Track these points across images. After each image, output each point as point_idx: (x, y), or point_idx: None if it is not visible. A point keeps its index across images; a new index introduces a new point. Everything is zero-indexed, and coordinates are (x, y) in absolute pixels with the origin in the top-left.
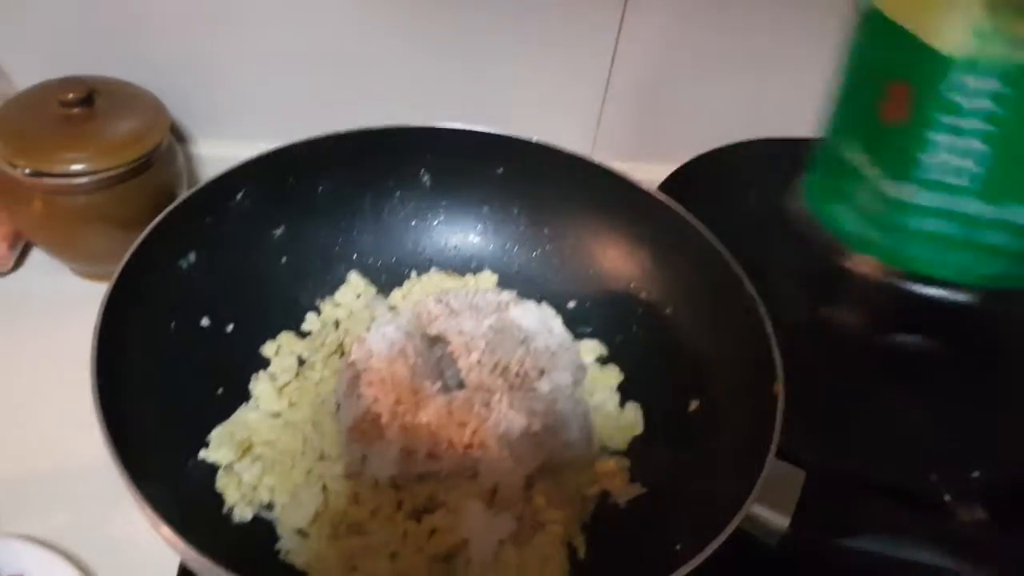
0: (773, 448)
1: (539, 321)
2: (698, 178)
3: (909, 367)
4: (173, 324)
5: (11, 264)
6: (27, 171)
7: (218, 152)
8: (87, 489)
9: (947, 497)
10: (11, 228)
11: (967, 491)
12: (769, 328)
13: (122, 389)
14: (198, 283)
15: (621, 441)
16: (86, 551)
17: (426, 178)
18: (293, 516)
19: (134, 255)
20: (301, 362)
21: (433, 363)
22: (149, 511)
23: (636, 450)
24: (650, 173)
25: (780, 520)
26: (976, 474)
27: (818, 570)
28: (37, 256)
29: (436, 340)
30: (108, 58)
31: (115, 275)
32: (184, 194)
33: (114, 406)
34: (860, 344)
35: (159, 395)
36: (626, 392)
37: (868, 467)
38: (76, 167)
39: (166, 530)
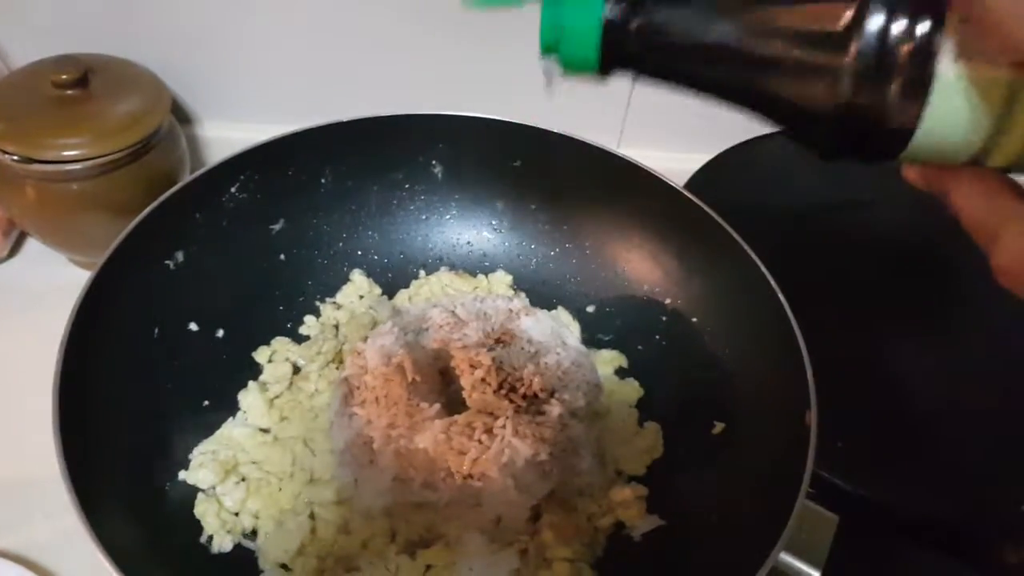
0: (803, 490)
1: (552, 333)
2: (732, 169)
3: (950, 389)
4: (156, 330)
5: (6, 252)
6: (16, 157)
7: (224, 134)
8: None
9: (993, 533)
10: (4, 215)
11: (1016, 526)
12: (803, 346)
13: (94, 400)
14: (186, 285)
15: (639, 465)
16: (70, 569)
17: (438, 170)
18: (277, 546)
19: (113, 256)
20: (296, 370)
21: (434, 379)
22: (94, 542)
23: (655, 476)
24: (683, 163)
25: (810, 572)
26: None
27: None
28: (34, 244)
29: (441, 351)
30: (105, 35)
31: (89, 279)
32: (170, 190)
33: (79, 418)
34: (899, 362)
35: (137, 408)
36: (645, 410)
37: (905, 498)
38: (70, 153)
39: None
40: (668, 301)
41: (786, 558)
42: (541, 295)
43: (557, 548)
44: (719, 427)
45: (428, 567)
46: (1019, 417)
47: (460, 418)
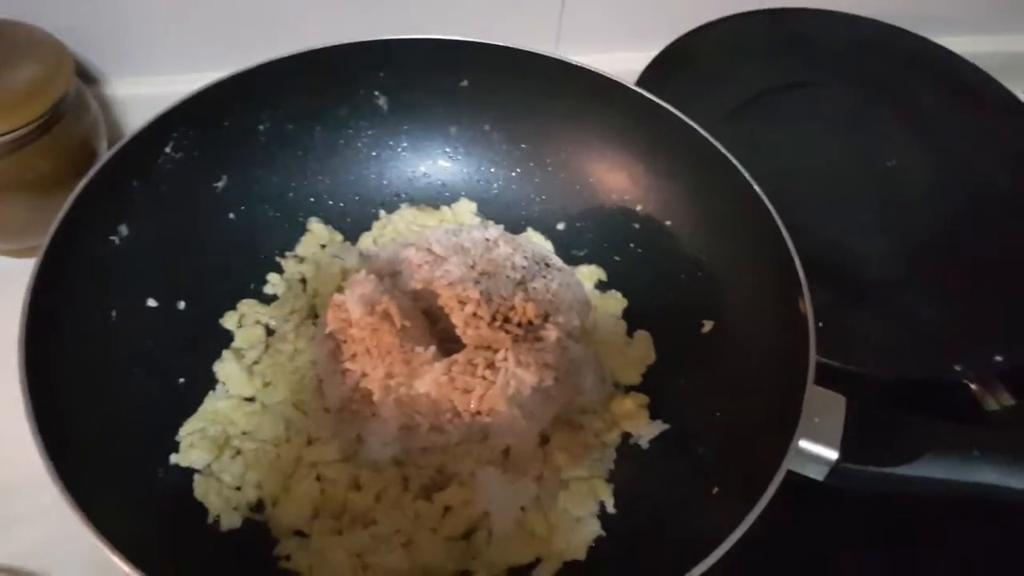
0: (811, 376)
1: (533, 256)
2: (677, 65)
3: (919, 259)
4: (114, 312)
5: None
6: None
7: (138, 91)
8: (48, 500)
9: (972, 386)
10: None
11: (991, 377)
12: (785, 233)
13: (61, 398)
14: (135, 259)
15: (634, 375)
16: (56, 573)
17: (382, 100)
18: (288, 514)
19: (54, 239)
20: (270, 332)
21: (421, 320)
22: (110, 549)
23: (652, 384)
24: (627, 63)
25: (828, 454)
26: (999, 359)
27: (866, 501)
28: None
29: (421, 291)
30: None
31: (33, 270)
32: (100, 160)
33: (53, 420)
34: (865, 238)
35: (109, 398)
36: (632, 319)
37: (889, 365)
38: None
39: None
40: (639, 208)
41: (803, 444)
42: (508, 219)
43: (571, 468)
44: (708, 325)
45: (447, 508)
46: (989, 276)
47: (460, 356)
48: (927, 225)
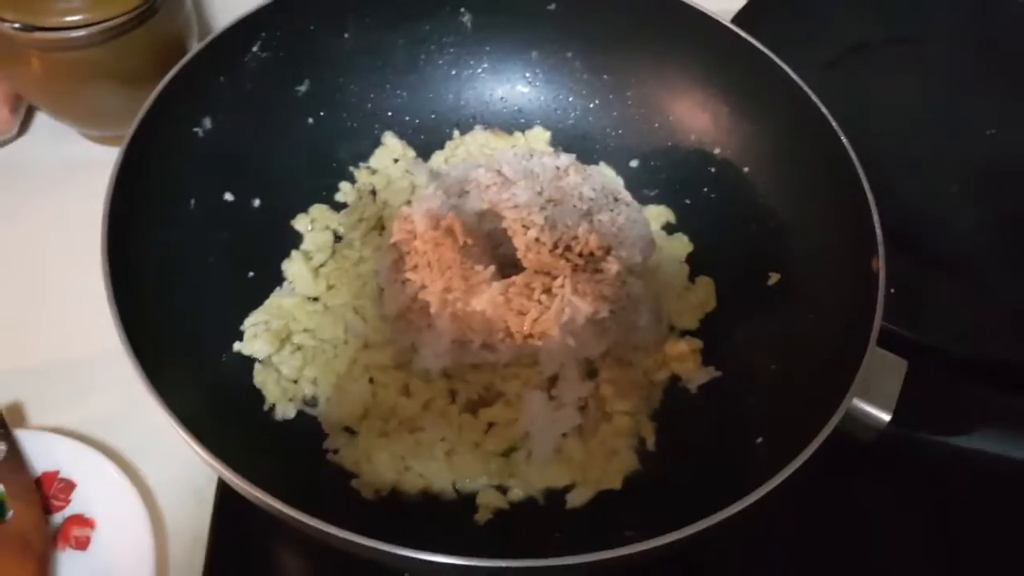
0: (874, 336)
1: (603, 189)
2: (781, 5)
3: (1007, 236)
4: (193, 201)
5: (15, 129)
6: (17, 25)
7: None
8: (121, 373)
9: None
10: (11, 89)
11: None
12: (867, 188)
13: (139, 278)
14: (217, 153)
15: (691, 319)
16: (124, 441)
17: (467, 18)
18: (339, 411)
19: (140, 127)
20: (337, 238)
21: (484, 240)
22: (172, 419)
23: (709, 330)
24: (724, 1)
25: (880, 416)
26: None
27: (913, 468)
28: (43, 120)
29: (487, 212)
30: None
31: (120, 153)
32: (190, 52)
33: (130, 297)
34: (958, 205)
35: (182, 282)
36: (696, 264)
37: (960, 339)
38: (71, 18)
39: (193, 442)
40: (717, 151)
41: (858, 403)
42: (581, 151)
43: (616, 402)
44: (775, 278)
45: (490, 425)
46: None
47: (518, 279)
48: (1021, 200)
